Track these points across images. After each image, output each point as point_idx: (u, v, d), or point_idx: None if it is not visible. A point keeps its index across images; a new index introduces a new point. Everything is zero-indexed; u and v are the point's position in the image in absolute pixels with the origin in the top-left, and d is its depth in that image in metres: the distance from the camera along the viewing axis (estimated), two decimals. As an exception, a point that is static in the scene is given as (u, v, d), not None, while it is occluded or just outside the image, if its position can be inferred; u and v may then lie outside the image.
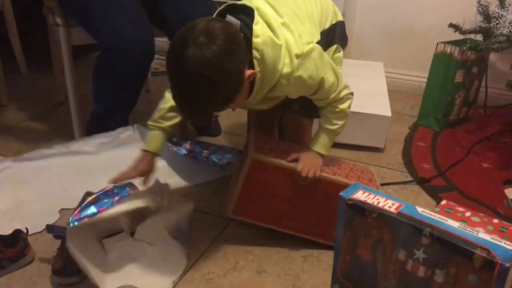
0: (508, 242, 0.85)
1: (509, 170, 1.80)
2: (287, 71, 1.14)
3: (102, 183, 1.44)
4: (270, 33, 1.11)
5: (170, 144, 1.64)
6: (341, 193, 1.05)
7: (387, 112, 1.86)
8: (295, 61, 1.13)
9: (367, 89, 2.02)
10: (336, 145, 1.86)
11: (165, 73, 3.03)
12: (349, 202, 1.03)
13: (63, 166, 1.59)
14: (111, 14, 1.56)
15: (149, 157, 1.32)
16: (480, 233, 0.88)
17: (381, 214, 0.98)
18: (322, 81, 1.19)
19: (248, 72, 1.09)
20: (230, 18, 1.12)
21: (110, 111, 1.72)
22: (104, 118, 1.73)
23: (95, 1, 1.58)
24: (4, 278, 1.21)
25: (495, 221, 1.42)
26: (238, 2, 1.18)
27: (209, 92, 1.03)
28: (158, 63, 2.71)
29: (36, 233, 1.35)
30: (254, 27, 1.10)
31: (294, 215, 1.31)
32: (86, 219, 1.21)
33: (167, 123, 1.31)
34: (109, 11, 1.57)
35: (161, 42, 2.78)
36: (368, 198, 1.01)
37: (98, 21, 1.57)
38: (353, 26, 2.49)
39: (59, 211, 1.45)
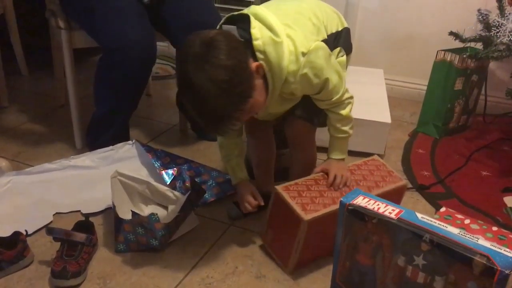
0: (508, 249, 0.85)
1: (508, 178, 1.80)
2: (293, 69, 1.15)
3: (100, 193, 1.51)
4: (269, 33, 1.13)
5: (157, 164, 1.62)
6: (341, 199, 1.05)
7: (387, 119, 1.87)
8: (301, 59, 1.15)
9: (367, 96, 2.03)
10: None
11: (165, 78, 3.06)
12: (349, 207, 1.03)
13: (64, 179, 1.62)
14: (113, 18, 1.56)
15: (244, 184, 1.40)
16: (480, 240, 0.88)
17: (381, 220, 0.98)
18: (326, 81, 1.20)
19: (254, 64, 1.10)
20: (225, 26, 1.16)
21: (111, 114, 1.72)
22: (104, 121, 1.73)
23: (98, 4, 1.58)
24: (2, 280, 1.21)
25: (494, 228, 1.43)
26: (236, 13, 1.20)
27: (221, 92, 1.04)
28: (159, 67, 2.73)
29: (32, 233, 1.36)
30: (252, 31, 1.12)
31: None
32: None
33: (236, 151, 1.39)
34: (111, 14, 1.57)
35: (163, 46, 2.80)
36: (368, 204, 1.02)
37: (100, 24, 1.58)
38: (354, 33, 2.50)
39: (53, 215, 1.45)
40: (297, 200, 1.23)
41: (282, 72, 1.15)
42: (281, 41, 1.13)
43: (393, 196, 1.38)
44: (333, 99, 1.25)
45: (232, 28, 1.14)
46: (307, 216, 1.19)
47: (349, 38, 1.38)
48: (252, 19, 1.14)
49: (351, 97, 1.30)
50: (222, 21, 1.21)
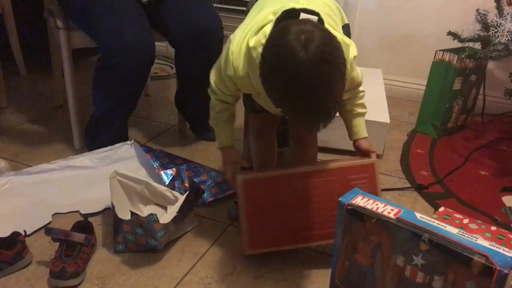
0: (507, 249, 0.85)
1: (507, 178, 1.81)
2: (349, 71, 1.15)
3: (99, 194, 1.51)
4: (339, 34, 1.12)
5: (156, 165, 1.61)
6: (340, 198, 1.05)
7: (386, 119, 1.87)
8: (354, 63, 1.16)
9: (366, 96, 1.99)
10: (334, 151, 1.88)
11: (164, 78, 3.04)
12: (348, 207, 1.03)
13: (62, 179, 1.61)
14: (112, 18, 1.56)
15: (227, 151, 1.35)
16: (479, 239, 0.88)
17: (380, 220, 0.98)
18: (359, 81, 1.27)
19: None
20: (305, 15, 1.08)
21: (109, 114, 1.72)
22: (103, 121, 1.73)
23: (96, 4, 1.58)
24: (1, 280, 1.21)
25: (493, 228, 1.43)
26: (294, 6, 1.12)
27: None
28: (158, 67, 2.72)
29: (31, 234, 1.36)
30: (327, 27, 1.08)
31: (309, 222, 1.28)
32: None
33: (224, 116, 1.32)
34: (109, 14, 1.57)
35: (161, 46, 2.80)
36: (367, 204, 1.02)
37: (99, 24, 1.58)
38: (352, 33, 2.48)
39: (52, 215, 1.45)
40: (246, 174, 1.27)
41: (347, 73, 1.11)
42: (349, 44, 1.13)
43: (364, 174, 1.31)
44: (360, 88, 1.31)
45: (314, 18, 1.07)
46: (243, 176, 1.23)
47: (349, 35, 1.38)
48: (322, 15, 1.09)
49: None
50: (280, 14, 1.11)
